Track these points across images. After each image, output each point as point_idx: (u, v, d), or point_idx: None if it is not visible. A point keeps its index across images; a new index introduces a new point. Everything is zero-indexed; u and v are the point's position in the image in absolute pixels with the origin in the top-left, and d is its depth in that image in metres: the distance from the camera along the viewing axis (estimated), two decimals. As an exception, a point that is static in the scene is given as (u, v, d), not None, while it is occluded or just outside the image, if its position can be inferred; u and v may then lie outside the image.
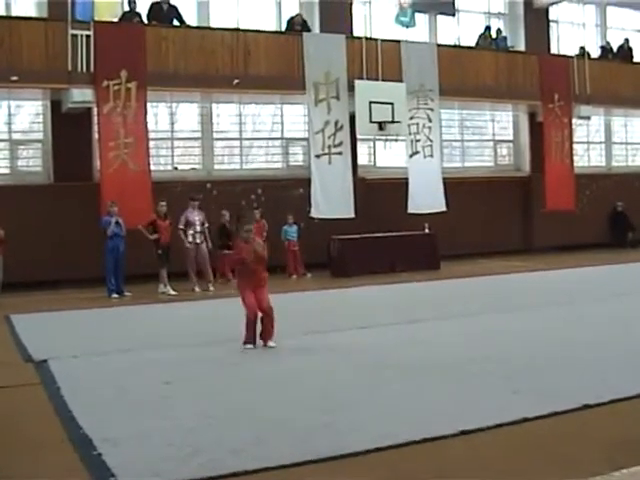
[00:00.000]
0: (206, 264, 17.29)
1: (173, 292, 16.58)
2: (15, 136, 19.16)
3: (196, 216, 17.34)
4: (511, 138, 25.93)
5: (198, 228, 17.23)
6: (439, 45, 22.64)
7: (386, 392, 7.37)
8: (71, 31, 17.38)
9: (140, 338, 11.07)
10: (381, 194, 21.36)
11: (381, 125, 20.37)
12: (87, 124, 18.80)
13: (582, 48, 24.88)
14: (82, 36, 17.48)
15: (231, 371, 8.69)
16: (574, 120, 24.52)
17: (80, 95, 17.45)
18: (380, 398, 7.15)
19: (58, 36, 17.36)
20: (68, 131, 18.41)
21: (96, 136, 18.48)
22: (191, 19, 20.53)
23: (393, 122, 20.39)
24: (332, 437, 5.94)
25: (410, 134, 21.45)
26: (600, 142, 27.74)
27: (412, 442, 5.75)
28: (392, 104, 20.32)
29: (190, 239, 17.18)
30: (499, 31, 24.62)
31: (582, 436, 5.93)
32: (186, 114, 21.17)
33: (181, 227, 17.17)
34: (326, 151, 20.26)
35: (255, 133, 21.94)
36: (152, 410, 6.98)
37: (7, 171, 19.01)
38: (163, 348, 10.14)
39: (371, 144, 23.15)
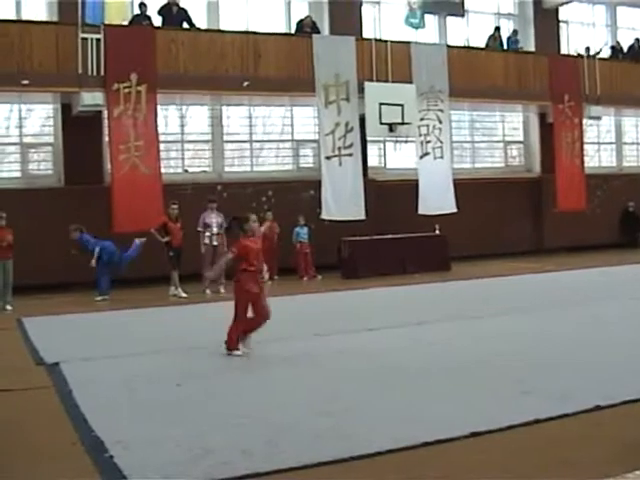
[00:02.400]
0: None
1: (184, 294, 16.56)
2: (26, 139, 19.20)
3: (213, 218, 17.34)
4: (521, 139, 25.88)
5: (215, 230, 17.18)
6: (449, 46, 22.58)
7: (396, 394, 7.37)
8: (81, 34, 17.40)
9: (151, 341, 11.09)
10: (391, 195, 21.34)
11: (391, 126, 20.33)
12: (98, 127, 18.85)
13: (587, 49, 24.68)
14: (92, 39, 17.51)
15: (241, 373, 8.71)
16: (584, 120, 24.45)
17: (90, 98, 17.45)
18: (390, 400, 7.15)
19: (68, 39, 17.39)
20: (79, 134, 18.43)
21: (107, 139, 18.52)
22: (201, 21, 20.54)
23: (403, 123, 20.34)
24: (343, 439, 5.94)
25: (420, 135, 21.42)
26: (611, 142, 27.63)
27: (423, 444, 5.75)
28: (402, 105, 20.27)
29: (207, 241, 17.20)
30: (515, 32, 24.50)
31: (594, 437, 5.92)
32: (196, 116, 21.18)
33: (199, 229, 17.20)
34: (336, 153, 20.25)
35: (265, 135, 21.93)
36: (163, 413, 7.00)
37: (18, 174, 19.06)
38: (174, 351, 10.17)
39: (381, 145, 23.11)
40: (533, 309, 12.89)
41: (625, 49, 26.38)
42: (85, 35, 17.46)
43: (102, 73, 17.59)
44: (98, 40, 17.55)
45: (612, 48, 26.42)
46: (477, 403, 6.92)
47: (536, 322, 11.57)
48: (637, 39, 26.63)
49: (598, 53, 24.53)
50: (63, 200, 18.17)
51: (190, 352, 10.01)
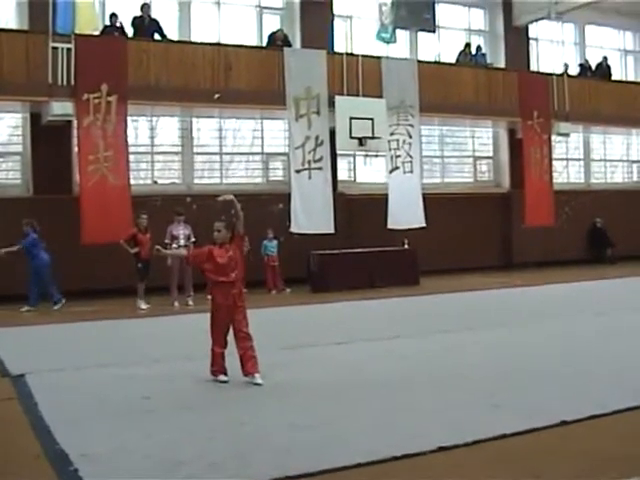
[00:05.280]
0: (188, 279, 17.18)
1: (144, 306, 16.45)
2: (-6, 149, 19.09)
3: (181, 230, 17.24)
4: (491, 154, 26.05)
5: (182, 242, 17.07)
6: (419, 61, 22.75)
7: (365, 408, 7.35)
8: (52, 44, 17.29)
9: (118, 352, 11.00)
10: (361, 209, 21.40)
11: (361, 141, 20.36)
12: (67, 137, 18.72)
13: (566, 65, 24.99)
14: (63, 49, 17.40)
15: (210, 386, 8.63)
16: (553, 137, 24.66)
17: (60, 108, 17.34)
18: (359, 414, 7.12)
19: (39, 49, 17.26)
20: (48, 144, 18.31)
21: (76, 149, 18.38)
22: (172, 33, 20.51)
23: (373, 138, 20.38)
24: (312, 453, 5.91)
25: (390, 150, 21.46)
26: (579, 159, 27.93)
27: (391, 458, 5.73)
28: (372, 120, 20.32)
29: None
30: (479, 48, 24.79)
31: (560, 452, 5.93)
32: (166, 128, 21.11)
33: (166, 241, 17.09)
34: (306, 166, 20.23)
35: (235, 148, 21.91)
36: (131, 425, 6.93)
37: (-15, 184, 18.89)
38: (142, 363, 10.07)
39: (351, 159, 23.17)
40: (503, 323, 12.95)
41: (593, 67, 26.71)
42: (55, 44, 17.36)
43: (72, 83, 17.48)
44: (69, 50, 17.45)
45: (581, 66, 26.72)
46: (447, 416, 6.91)
47: (506, 336, 11.62)
48: (605, 57, 27.03)
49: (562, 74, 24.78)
50: (31, 210, 17.96)
51: (157, 364, 9.93)
